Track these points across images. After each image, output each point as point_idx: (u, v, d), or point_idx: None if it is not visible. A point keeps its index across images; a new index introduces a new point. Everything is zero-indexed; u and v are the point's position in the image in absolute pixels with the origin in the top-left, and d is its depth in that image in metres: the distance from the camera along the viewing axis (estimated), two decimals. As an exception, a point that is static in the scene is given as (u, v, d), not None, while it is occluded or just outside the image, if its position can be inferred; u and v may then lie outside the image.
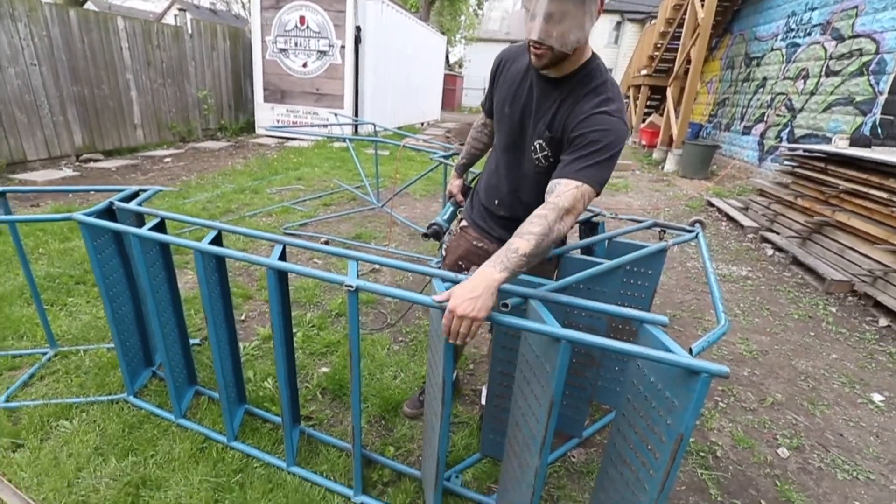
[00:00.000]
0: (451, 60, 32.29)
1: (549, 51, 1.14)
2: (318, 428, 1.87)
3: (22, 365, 2.12)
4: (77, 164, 6.21)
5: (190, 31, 8.16)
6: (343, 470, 1.65)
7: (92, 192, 4.74)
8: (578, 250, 1.68)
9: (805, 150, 4.52)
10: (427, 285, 2.30)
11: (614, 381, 1.95)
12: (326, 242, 2.45)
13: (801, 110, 6.51)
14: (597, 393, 1.97)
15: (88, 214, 1.68)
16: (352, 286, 1.22)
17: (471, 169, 1.93)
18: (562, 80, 1.24)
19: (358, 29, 8.74)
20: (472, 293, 1.00)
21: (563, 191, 1.13)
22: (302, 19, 8.81)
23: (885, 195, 3.36)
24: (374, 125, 5.08)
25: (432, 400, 1.34)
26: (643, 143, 10.74)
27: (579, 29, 1.12)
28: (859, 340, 2.83)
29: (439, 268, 1.72)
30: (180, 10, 8.60)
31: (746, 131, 7.92)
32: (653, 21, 12.23)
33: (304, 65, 9.05)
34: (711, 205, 5.80)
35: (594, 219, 2.17)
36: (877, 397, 2.29)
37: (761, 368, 2.50)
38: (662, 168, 8.44)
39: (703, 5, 7.42)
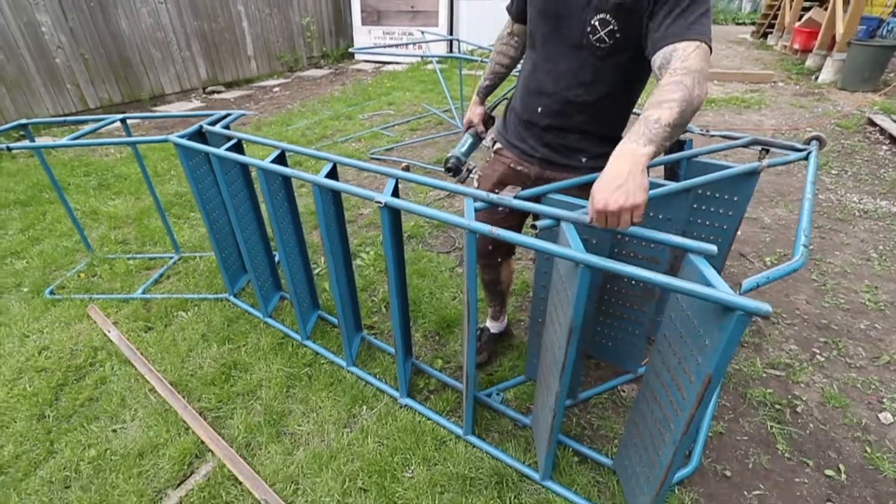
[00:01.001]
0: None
1: None
2: (379, 337, 2.04)
3: (155, 266, 2.60)
4: (203, 95, 6.96)
5: (291, -44, 8.25)
6: (395, 374, 1.81)
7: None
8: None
9: None
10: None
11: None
12: (407, 168, 2.50)
13: None
14: (656, 329, 1.83)
15: (182, 137, 1.90)
16: (381, 202, 1.24)
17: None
18: None
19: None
20: (616, 181, 0.85)
21: (685, 54, 0.95)
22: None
23: None
24: (459, 41, 4.80)
25: (464, 317, 1.37)
26: (795, 46, 8.73)
27: None
28: None
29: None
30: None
31: (951, 22, 5.99)
32: None
33: (400, -20, 8.72)
34: (873, 123, 4.65)
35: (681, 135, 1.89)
36: None
37: (885, 322, 2.09)
38: (816, 78, 6.86)
39: None
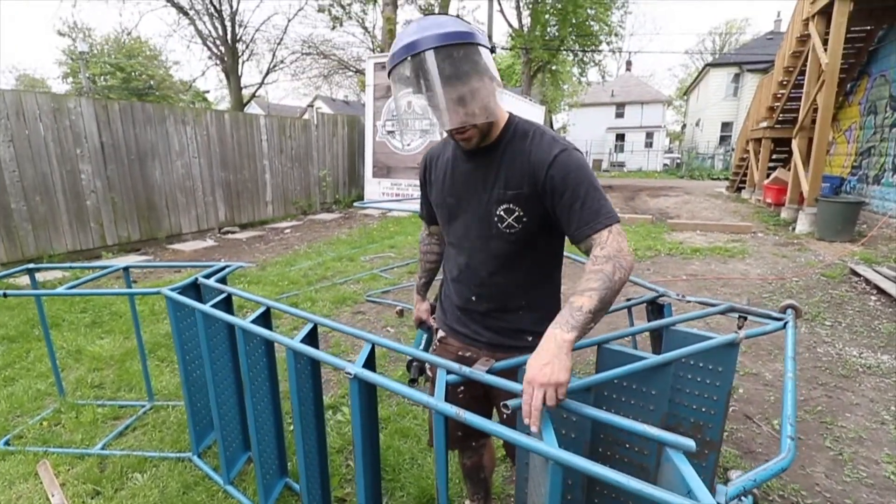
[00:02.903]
0: (556, 126, 32.92)
1: (475, 129, 1.11)
2: (350, 512, 1.81)
3: (124, 414, 2.46)
4: (218, 235, 7.42)
5: (315, 123, 9.58)
6: (360, 566, 1.56)
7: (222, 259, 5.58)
8: (631, 340, 1.48)
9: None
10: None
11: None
12: (401, 312, 2.52)
13: (980, 158, 5.26)
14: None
15: (175, 289, 1.96)
16: (351, 373, 1.21)
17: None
18: (493, 145, 1.19)
19: (455, 107, 9.45)
20: (543, 360, 0.94)
21: (602, 241, 1.06)
22: (409, 104, 9.83)
23: None
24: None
25: (436, 505, 1.23)
26: (768, 200, 9.51)
27: (491, 94, 1.09)
28: None
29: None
30: (309, 107, 10.23)
31: (905, 184, 6.60)
32: (771, 71, 11.25)
33: (408, 143, 9.96)
34: (856, 273, 4.80)
35: (659, 299, 1.93)
36: None
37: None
38: (793, 229, 7.31)
39: (826, 50, 6.64)
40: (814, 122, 7.08)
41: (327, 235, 7.44)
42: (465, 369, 1.19)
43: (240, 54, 17.14)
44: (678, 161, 28.81)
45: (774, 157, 10.57)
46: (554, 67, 20.17)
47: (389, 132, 10.08)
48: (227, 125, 7.59)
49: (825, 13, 6.81)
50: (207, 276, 2.13)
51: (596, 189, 1.10)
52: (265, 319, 1.73)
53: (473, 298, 1.31)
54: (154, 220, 6.54)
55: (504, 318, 1.30)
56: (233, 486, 1.91)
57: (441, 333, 1.45)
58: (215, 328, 1.88)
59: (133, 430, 2.32)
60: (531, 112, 14.23)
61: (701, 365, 1.53)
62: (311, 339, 1.54)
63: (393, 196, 9.97)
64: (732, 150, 23.79)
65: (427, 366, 1.45)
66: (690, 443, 0.92)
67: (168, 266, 2.84)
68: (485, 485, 1.65)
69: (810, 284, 4.71)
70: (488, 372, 1.19)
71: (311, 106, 10.41)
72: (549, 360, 0.93)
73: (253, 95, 19.29)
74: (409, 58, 1.05)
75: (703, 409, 1.56)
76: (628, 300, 2.25)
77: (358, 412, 1.26)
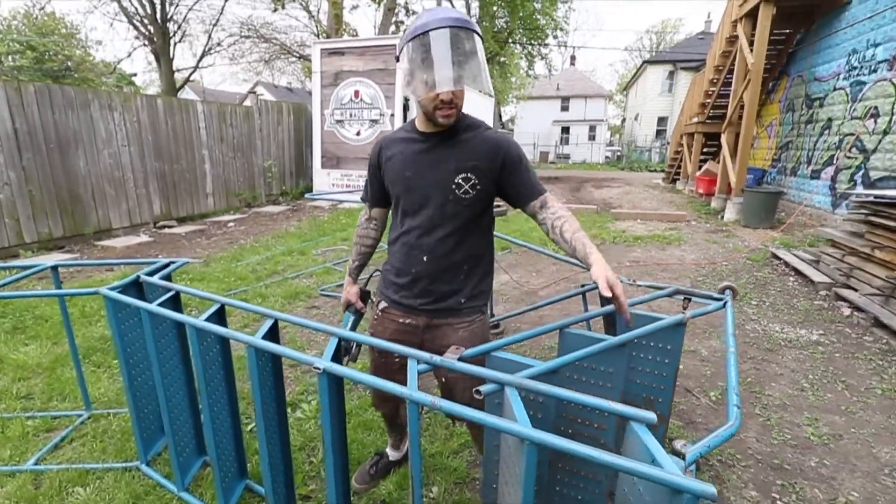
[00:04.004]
0: (504, 118, 33.42)
1: (457, 108, 1.33)
2: (316, 509, 1.78)
3: (59, 426, 2.26)
4: (153, 230, 6.92)
5: (258, 111, 9.13)
6: (330, 562, 1.54)
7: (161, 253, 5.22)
8: (585, 323, 1.55)
9: (877, 197, 4.05)
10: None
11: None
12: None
13: (874, 151, 5.93)
14: (614, 483, 1.73)
15: (115, 288, 1.82)
16: (320, 368, 1.19)
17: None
18: (451, 129, 1.40)
19: (406, 98, 9.33)
20: (609, 269, 1.21)
21: (550, 201, 1.41)
22: (356, 93, 9.59)
23: (983, 247, 2.88)
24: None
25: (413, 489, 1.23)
26: (700, 191, 10.22)
27: (484, 68, 1.30)
28: (967, 425, 2.33)
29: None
30: (251, 93, 9.72)
31: (815, 175, 7.32)
32: (703, 69, 12.03)
33: (357, 133, 9.74)
34: (777, 257, 5.29)
35: (612, 285, 2.03)
36: None
37: (833, 458, 2.11)
38: (722, 217, 7.91)
39: (751, 50, 7.20)
40: (740, 118, 7.67)
41: (275, 228, 7.16)
42: (436, 358, 1.20)
43: (171, 35, 15.93)
44: (618, 154, 30.20)
45: (705, 150, 11.35)
46: (502, 59, 20.41)
47: (338, 121, 9.81)
48: (160, 111, 7.06)
49: (752, 16, 7.36)
50: (150, 274, 1.99)
51: (530, 167, 1.44)
52: (220, 317, 1.65)
53: (419, 266, 1.47)
54: (79, 215, 5.99)
55: (442, 284, 1.48)
56: (188, 493, 1.82)
57: (383, 305, 1.59)
58: (163, 328, 1.77)
59: (70, 442, 2.14)
60: (482, 103, 14.33)
61: (652, 344, 1.63)
62: (273, 335, 1.49)
63: (344, 187, 9.74)
64: (668, 143, 25.30)
65: (354, 345, 1.56)
66: (652, 415, 0.98)
67: (101, 264, 2.63)
68: (401, 428, 1.92)
69: (738, 268, 5.13)
70: (460, 360, 1.21)
71: (253, 92, 9.89)
72: (609, 268, 1.21)
73: (187, 80, 18.04)
74: (450, 28, 1.24)
75: (654, 385, 1.67)
76: (582, 286, 2.36)
77: (328, 408, 1.24)
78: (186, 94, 22.11)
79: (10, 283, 2.09)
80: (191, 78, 18.81)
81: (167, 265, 2.14)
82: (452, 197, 1.40)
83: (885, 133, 5.74)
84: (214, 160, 8.15)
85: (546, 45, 19.27)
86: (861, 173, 6.14)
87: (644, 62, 29.05)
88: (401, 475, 1.94)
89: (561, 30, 18.05)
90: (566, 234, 1.32)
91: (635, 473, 0.83)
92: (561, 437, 0.91)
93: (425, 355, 1.22)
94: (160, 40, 15.40)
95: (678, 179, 13.08)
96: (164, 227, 7.07)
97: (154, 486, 1.87)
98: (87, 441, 2.15)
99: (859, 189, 5.95)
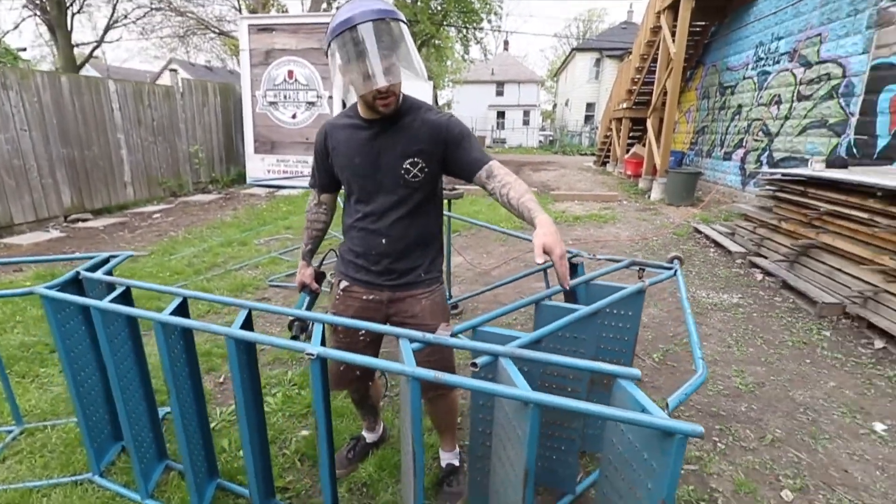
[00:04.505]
0: (441, 102, 33.32)
1: (394, 96, 1.34)
2: (296, 501, 1.76)
3: (-15, 446, 2.02)
4: (65, 224, 6.22)
5: (180, 90, 8.40)
6: (319, 548, 1.54)
7: (79, 253, 4.71)
8: (556, 296, 1.64)
9: (783, 175, 4.58)
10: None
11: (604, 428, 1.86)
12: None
13: (777, 134, 6.66)
14: (587, 441, 1.87)
15: (53, 287, 1.64)
16: (312, 354, 1.17)
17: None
18: (393, 114, 1.40)
19: (343, 79, 9.03)
20: (553, 233, 1.16)
21: (497, 168, 1.39)
22: (290, 73, 9.12)
23: (865, 215, 3.37)
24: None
25: (407, 470, 1.26)
26: (628, 173, 10.92)
27: (412, 55, 1.31)
28: (856, 365, 2.76)
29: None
30: (171, 70, 8.88)
31: (727, 157, 8.08)
32: (629, 57, 12.73)
33: (294, 116, 9.29)
34: (699, 231, 5.83)
35: (573, 259, 2.15)
36: (879, 427, 2.20)
37: (759, 402, 2.41)
38: (649, 197, 8.53)
39: (674, 40, 7.74)
40: (664, 104, 8.25)
41: (207, 219, 6.70)
42: (429, 336, 1.23)
43: (67, 5, 14.09)
44: (551, 138, 31.33)
45: (632, 134, 12.10)
46: (438, 42, 20.27)
47: (271, 103, 9.29)
48: (65, 91, 6.28)
49: (673, 8, 7.88)
50: (91, 270, 1.81)
51: (476, 140, 1.48)
52: (183, 311, 1.55)
53: (383, 242, 1.51)
54: (-29, 209, 5.24)
55: (401, 260, 1.53)
56: (153, 500, 1.71)
57: (345, 284, 1.62)
58: (115, 328, 1.63)
59: (2, 462, 1.92)
60: (420, 87, 14.19)
61: (615, 311, 1.76)
62: (248, 325, 1.43)
63: (280, 173, 9.30)
64: (596, 128, 26.64)
65: (311, 324, 1.50)
66: (637, 372, 1.08)
67: (26, 261, 2.37)
68: (374, 409, 1.97)
69: (666, 242, 5.59)
70: (452, 335, 1.24)
71: (173, 70, 9.04)
72: (555, 233, 1.16)
73: (89, 56, 16.10)
74: (373, 22, 1.22)
75: (617, 349, 1.81)
76: (543, 262, 2.46)
77: (320, 392, 1.22)
78: (87, 72, 19.74)
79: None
80: (94, 54, 16.80)
81: (106, 260, 1.96)
82: (403, 182, 1.44)
83: (787, 118, 6.46)
84: (132, 145, 7.43)
85: (481, 28, 19.40)
86: (766, 155, 6.88)
87: (573, 49, 30.16)
88: (379, 457, 1.95)
89: (495, 14, 18.23)
90: (513, 201, 1.33)
91: (633, 422, 0.92)
92: (561, 398, 0.98)
93: (417, 334, 1.24)
94: (55, 10, 13.57)
95: (608, 162, 13.86)
96: (77, 220, 6.36)
97: (112, 496, 1.74)
98: (24, 458, 1.94)
99: (765, 169, 6.67)
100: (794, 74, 6.43)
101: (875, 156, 4.90)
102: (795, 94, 6.35)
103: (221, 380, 2.56)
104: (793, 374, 2.68)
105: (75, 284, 1.76)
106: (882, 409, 2.34)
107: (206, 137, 9.12)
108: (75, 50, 14.84)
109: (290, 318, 1.50)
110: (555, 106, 39.80)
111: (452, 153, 1.43)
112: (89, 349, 1.81)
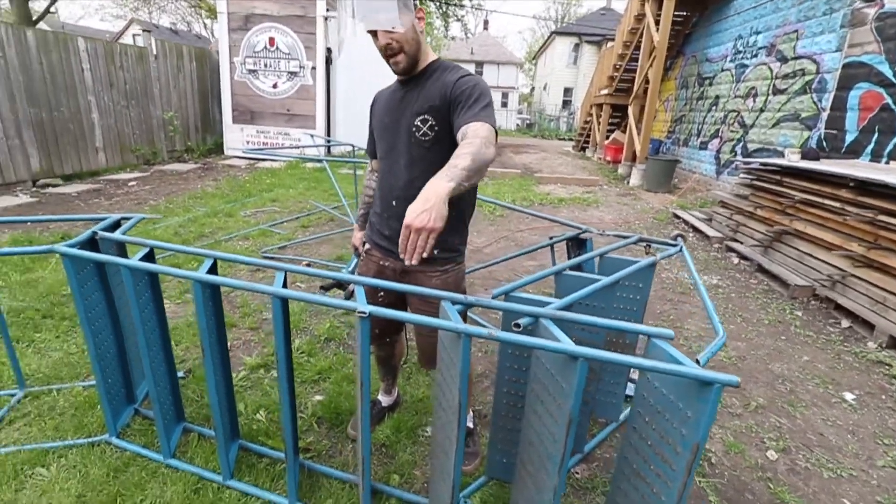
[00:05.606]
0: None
1: (403, 54, 1.38)
2: (317, 459, 1.81)
3: (-13, 409, 1.97)
4: (34, 189, 5.89)
5: (155, 53, 7.98)
6: (348, 503, 1.60)
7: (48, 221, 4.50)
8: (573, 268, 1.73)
9: (761, 164, 4.82)
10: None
11: (611, 395, 1.99)
12: (309, 265, 2.44)
13: (752, 126, 6.95)
14: (597, 408, 2.00)
15: (72, 246, 1.61)
16: (364, 312, 1.21)
17: None
18: (419, 75, 1.45)
19: (328, 50, 8.77)
20: (424, 206, 1.02)
21: (475, 129, 1.25)
22: (272, 41, 8.78)
23: (836, 204, 3.61)
24: (353, 146, 5.08)
25: (445, 425, 1.33)
26: (608, 158, 11.15)
27: (397, 10, 1.32)
28: (826, 342, 3.00)
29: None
30: (144, 31, 8.38)
31: (703, 146, 8.37)
32: (610, 44, 12.85)
33: (275, 85, 8.99)
34: (677, 217, 6.07)
35: (582, 235, 2.25)
36: (849, 396, 2.43)
37: (741, 374, 2.61)
38: (628, 182, 8.77)
39: (657, 29, 7.87)
40: (646, 91, 8.43)
41: (187, 189, 6.48)
42: (471, 298, 1.29)
43: (20, -49, 12.93)
44: (528, 122, 31.42)
45: (612, 121, 12.31)
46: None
47: (251, 71, 8.94)
48: (31, 46, 5.86)
49: (658, -4, 8.00)
50: (105, 230, 1.78)
51: (485, 101, 1.32)
52: (213, 272, 1.55)
53: (394, 203, 1.52)
54: (-71, 170, 4.88)
55: None
56: (176, 459, 1.73)
57: (367, 246, 1.68)
58: (140, 287, 1.62)
59: (10, 424, 1.89)
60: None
61: (627, 283, 1.87)
62: (284, 286, 1.45)
63: (261, 145, 9.03)
64: (573, 113, 26.87)
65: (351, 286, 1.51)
66: (670, 332, 1.18)
67: (41, 220, 2.28)
68: (393, 370, 2.03)
69: (648, 226, 5.81)
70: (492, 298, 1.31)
71: (147, 31, 8.53)
72: (428, 208, 1.02)
73: (46, 11, 14.92)
74: None
75: (627, 319, 1.93)
76: (550, 238, 2.55)
77: (367, 349, 1.27)
78: (44, 27, 18.28)
79: None
80: (50, 9, 15.58)
81: (118, 222, 1.93)
82: (413, 140, 1.44)
83: (762, 111, 6.74)
84: (103, 109, 7.04)
85: (462, 5, 19.07)
86: (741, 145, 7.17)
87: (552, 33, 30.06)
88: (396, 420, 2.03)
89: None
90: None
91: (674, 373, 1.01)
92: (608, 353, 1.07)
93: (461, 297, 1.29)
94: (4, -44, 12.43)
95: (587, 147, 14.09)
96: (46, 185, 6.03)
97: (132, 457, 1.75)
98: (33, 421, 1.91)
99: (739, 159, 6.96)
100: (770, 69, 6.69)
101: (843, 150, 5.21)
102: (771, 88, 6.62)
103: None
104: (770, 349, 2.90)
105: (91, 244, 1.73)
106: (851, 381, 2.57)
107: (182, 104, 8.72)
108: (30, 4, 13.72)
109: (324, 279, 1.53)
110: (532, 89, 39.80)
111: (453, 112, 1.36)
112: (106, 311, 1.79)
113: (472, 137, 1.21)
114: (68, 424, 1.89)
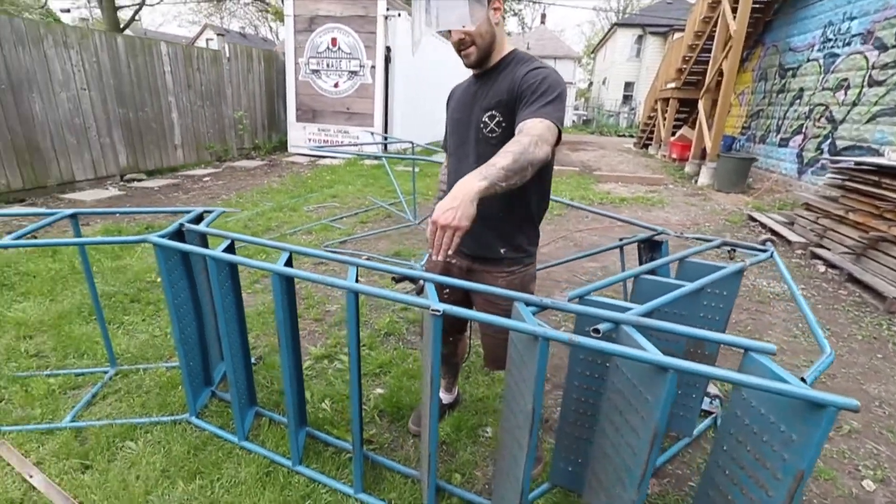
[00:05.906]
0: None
1: (474, 46, 1.34)
2: (380, 452, 1.84)
3: (84, 384, 2.17)
4: (121, 183, 6.45)
5: (227, 55, 8.47)
6: (411, 498, 1.61)
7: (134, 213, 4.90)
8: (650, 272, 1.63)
9: (856, 163, 4.36)
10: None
11: (686, 408, 1.87)
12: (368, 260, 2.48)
13: (842, 121, 6.31)
14: (669, 419, 1.88)
15: (162, 236, 1.72)
16: (438, 311, 1.20)
17: None
18: (492, 69, 1.40)
19: (388, 49, 8.93)
20: (451, 203, 1.01)
21: (530, 125, 1.19)
22: (334, 41, 9.06)
23: (951, 209, 3.19)
24: (412, 143, 5.13)
25: (514, 429, 1.30)
26: (673, 156, 10.57)
27: (468, 6, 1.27)
28: (934, 364, 2.67)
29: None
30: (218, 35, 8.92)
31: (783, 143, 7.72)
32: (678, 34, 12.15)
33: (336, 85, 9.28)
34: (753, 219, 5.64)
35: (656, 237, 2.12)
36: (965, 427, 2.14)
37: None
38: (696, 182, 8.27)
39: (735, 17, 7.33)
40: (718, 84, 7.89)
41: (255, 184, 6.84)
42: (546, 300, 1.24)
43: (113, -35, 14.23)
44: (585, 118, 30.45)
45: (679, 116, 11.65)
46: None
47: (314, 71, 9.27)
48: (121, 51, 6.41)
49: (736, -19, 7.44)
50: (191, 223, 1.89)
51: (552, 95, 1.23)
52: (289, 265, 1.60)
53: None
54: (39, 166, 5.46)
55: (480, 229, 1.32)
56: (249, 442, 1.82)
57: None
58: (222, 276, 1.70)
59: (103, 399, 2.06)
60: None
61: (709, 291, 1.74)
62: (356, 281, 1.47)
63: (322, 142, 9.36)
64: (634, 109, 25.72)
65: (422, 282, 1.47)
66: (772, 347, 1.07)
67: (129, 212, 2.47)
68: (455, 368, 2.01)
69: (719, 228, 5.44)
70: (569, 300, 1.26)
71: (221, 34, 9.07)
72: (455, 206, 1.00)
73: (132, 18, 16.31)
74: None
75: (709, 329, 1.79)
76: (620, 240, 2.44)
77: (439, 347, 1.26)
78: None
79: (36, 230, 1.90)
80: (137, 16, 17.03)
81: (201, 215, 2.04)
82: (481, 136, 1.40)
83: (854, 105, 6.10)
84: (182, 109, 7.57)
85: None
86: (828, 143, 6.54)
87: (614, 25, 28.92)
88: (456, 418, 2.01)
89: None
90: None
91: (780, 392, 0.92)
92: (697, 364, 0.99)
93: (535, 298, 1.25)
94: (101, -29, 13.73)
95: (650, 144, 13.43)
96: (132, 180, 6.58)
97: (209, 437, 1.85)
98: (122, 397, 2.07)
99: (827, 157, 6.35)
100: (866, 58, 6.04)
101: (956, 147, 4.60)
102: (866, 79, 5.97)
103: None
104: (864, 368, 2.61)
105: (178, 236, 1.84)
106: (965, 408, 2.27)
107: (251, 104, 9.21)
108: (119, 11, 15.06)
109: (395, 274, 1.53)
110: (590, 84, 38.52)
111: (517, 107, 1.29)
112: (189, 298, 1.91)
113: (524, 135, 1.15)
114: (153, 402, 2.03)
